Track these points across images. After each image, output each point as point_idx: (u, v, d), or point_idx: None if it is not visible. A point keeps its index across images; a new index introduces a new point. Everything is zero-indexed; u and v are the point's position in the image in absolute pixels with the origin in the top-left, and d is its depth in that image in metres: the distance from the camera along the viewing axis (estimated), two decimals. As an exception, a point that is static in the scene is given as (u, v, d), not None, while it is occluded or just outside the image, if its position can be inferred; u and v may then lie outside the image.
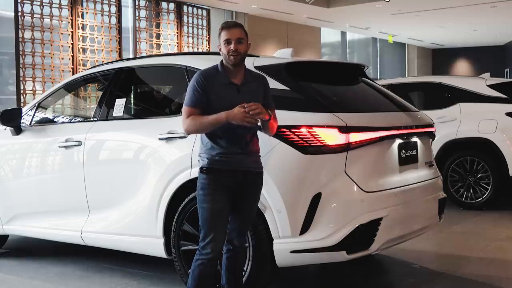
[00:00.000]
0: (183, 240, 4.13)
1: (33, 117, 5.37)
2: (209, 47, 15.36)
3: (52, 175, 5.04)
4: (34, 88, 11.34)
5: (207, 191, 3.39)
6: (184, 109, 3.41)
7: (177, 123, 4.29)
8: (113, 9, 12.84)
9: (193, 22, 15.01)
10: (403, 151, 4.17)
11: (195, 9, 15.07)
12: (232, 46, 3.39)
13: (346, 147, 3.74)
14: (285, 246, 3.74)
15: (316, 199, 3.67)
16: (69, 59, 11.93)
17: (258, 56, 4.39)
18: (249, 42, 3.49)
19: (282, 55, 4.47)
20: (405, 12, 17.67)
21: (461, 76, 16.46)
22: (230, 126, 3.33)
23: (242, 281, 3.69)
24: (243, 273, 3.76)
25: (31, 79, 11.33)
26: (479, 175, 7.50)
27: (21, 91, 11.18)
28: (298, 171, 3.75)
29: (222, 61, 3.49)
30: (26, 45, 11.26)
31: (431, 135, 4.66)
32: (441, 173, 4.82)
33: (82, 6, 12.28)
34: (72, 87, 6.04)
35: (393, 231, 3.94)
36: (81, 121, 5.92)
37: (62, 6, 11.79)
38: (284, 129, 3.74)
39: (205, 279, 3.45)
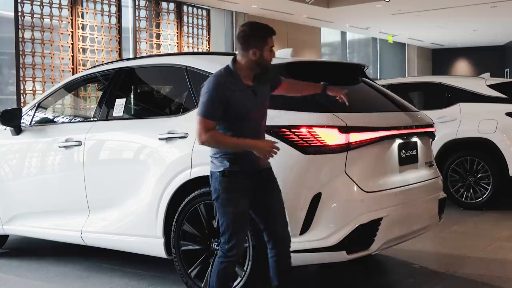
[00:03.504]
0: (183, 240, 4.13)
1: (33, 117, 5.37)
2: (209, 47, 15.35)
3: (52, 175, 5.04)
4: (34, 88, 11.34)
5: (230, 195, 3.32)
6: (201, 120, 3.24)
7: (177, 123, 4.30)
8: (113, 9, 12.83)
9: (193, 22, 15.00)
10: (403, 151, 4.17)
11: (195, 9, 15.07)
12: (274, 54, 3.37)
13: (346, 147, 3.74)
14: (285, 246, 3.73)
15: (316, 199, 3.68)
16: (69, 59, 11.93)
17: (258, 56, 4.38)
18: None
19: (282, 55, 4.46)
20: (405, 12, 17.66)
21: (461, 76, 16.45)
22: (252, 130, 3.33)
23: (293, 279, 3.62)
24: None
25: (31, 79, 11.32)
26: (479, 175, 7.49)
27: (21, 91, 11.17)
28: (298, 171, 3.75)
29: (233, 62, 3.35)
30: (26, 45, 11.25)
31: (431, 135, 4.66)
32: (441, 173, 4.82)
33: (82, 6, 12.27)
34: (72, 87, 6.04)
35: (393, 231, 3.95)
36: (81, 121, 5.92)
37: (62, 6, 11.77)
38: (284, 129, 3.74)
39: (229, 279, 3.47)
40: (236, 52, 3.39)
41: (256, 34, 3.31)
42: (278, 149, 3.29)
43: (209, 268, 3.99)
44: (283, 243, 3.49)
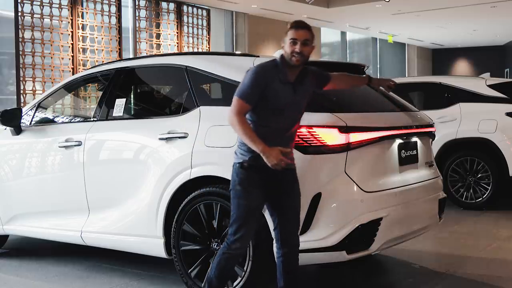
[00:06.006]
0: (183, 240, 4.13)
1: (33, 117, 5.37)
2: (209, 47, 15.35)
3: (52, 175, 5.04)
4: (34, 88, 11.34)
5: (245, 188, 3.39)
6: (237, 100, 3.33)
7: (177, 123, 4.30)
8: (113, 9, 12.83)
9: (193, 22, 15.01)
10: (403, 151, 4.16)
11: (195, 9, 15.07)
12: (297, 47, 3.36)
13: (346, 147, 3.74)
14: (285, 246, 3.73)
15: (316, 199, 3.67)
16: (69, 59, 11.93)
17: (258, 56, 4.39)
18: (314, 45, 3.46)
19: (282, 55, 4.45)
20: (405, 12, 17.67)
21: (461, 76, 16.45)
22: (278, 130, 3.39)
23: (297, 281, 3.63)
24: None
25: (31, 79, 11.33)
26: (479, 175, 7.49)
27: (21, 91, 11.17)
28: (298, 171, 3.73)
29: (282, 57, 3.43)
30: (26, 45, 11.25)
31: (431, 135, 4.66)
32: (441, 173, 4.82)
33: (82, 6, 12.27)
34: (72, 87, 6.04)
35: (393, 231, 3.94)
36: (81, 121, 5.92)
37: (62, 6, 11.78)
38: (284, 129, 3.73)
39: (229, 271, 3.54)
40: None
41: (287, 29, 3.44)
42: (289, 161, 3.31)
43: (209, 269, 3.99)
44: (290, 245, 3.53)
